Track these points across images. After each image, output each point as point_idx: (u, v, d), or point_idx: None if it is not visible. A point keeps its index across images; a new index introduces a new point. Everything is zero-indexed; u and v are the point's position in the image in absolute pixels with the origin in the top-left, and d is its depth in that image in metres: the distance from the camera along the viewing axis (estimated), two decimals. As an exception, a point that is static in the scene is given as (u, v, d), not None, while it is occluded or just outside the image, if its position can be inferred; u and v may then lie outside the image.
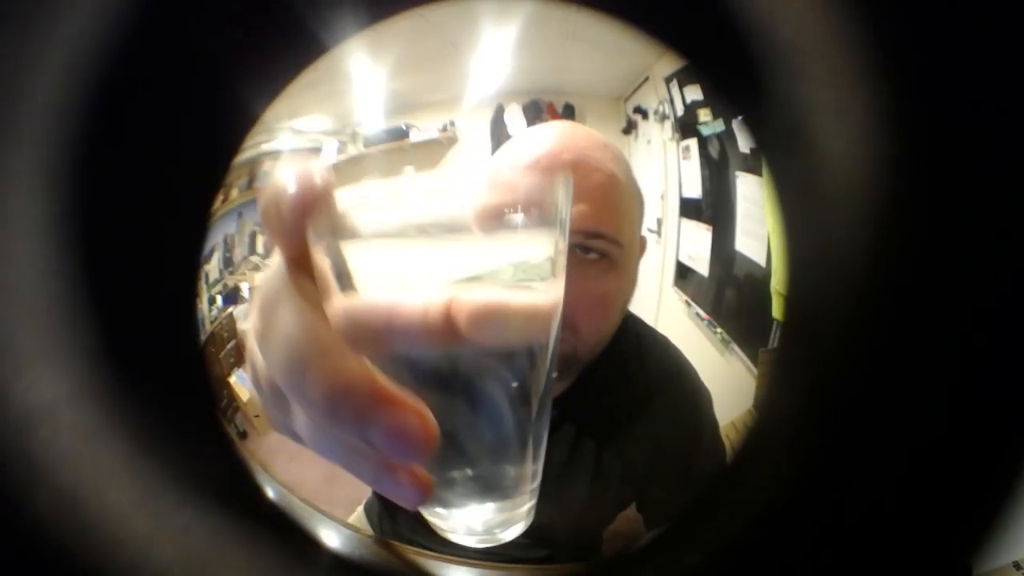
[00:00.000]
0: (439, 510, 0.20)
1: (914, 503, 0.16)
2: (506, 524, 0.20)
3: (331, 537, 0.26)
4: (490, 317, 0.14)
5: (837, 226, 0.17)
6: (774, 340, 0.28)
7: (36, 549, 0.15)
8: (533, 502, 0.21)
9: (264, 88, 0.21)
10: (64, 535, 0.16)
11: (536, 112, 0.31)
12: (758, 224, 0.29)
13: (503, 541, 0.20)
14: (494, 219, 0.16)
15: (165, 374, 0.19)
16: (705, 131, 0.31)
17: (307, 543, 0.23)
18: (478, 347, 0.15)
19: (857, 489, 0.17)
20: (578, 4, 0.28)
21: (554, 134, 0.31)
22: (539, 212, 0.17)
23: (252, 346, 0.17)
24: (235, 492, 0.20)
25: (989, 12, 0.14)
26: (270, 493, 0.24)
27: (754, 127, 0.23)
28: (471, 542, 0.20)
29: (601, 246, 0.29)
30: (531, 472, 0.20)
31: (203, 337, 0.33)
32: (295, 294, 0.15)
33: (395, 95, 0.34)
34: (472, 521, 0.20)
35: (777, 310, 0.28)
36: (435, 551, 0.31)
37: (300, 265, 0.16)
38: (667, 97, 0.31)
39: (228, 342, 0.35)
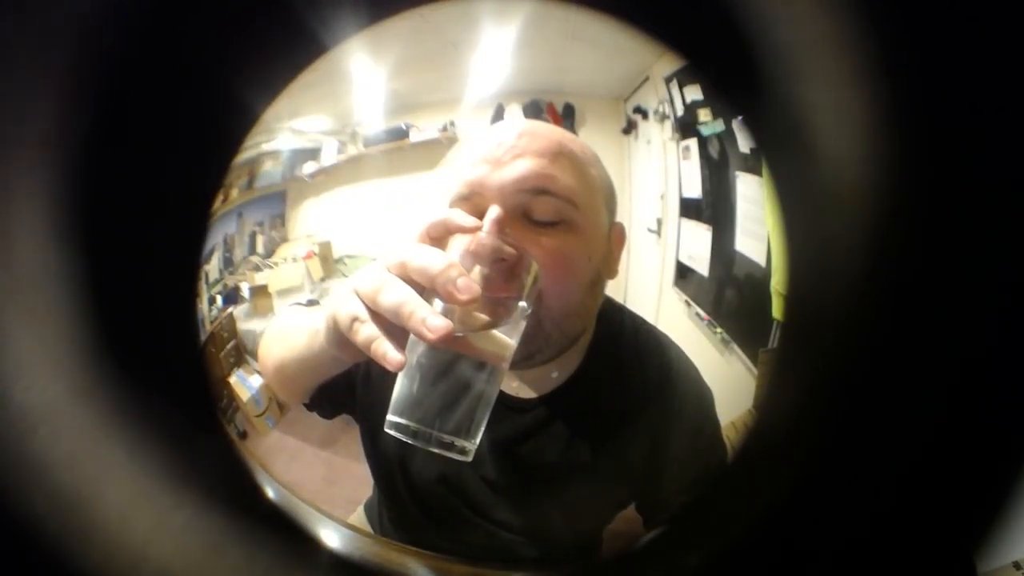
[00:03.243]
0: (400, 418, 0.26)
1: (914, 503, 0.16)
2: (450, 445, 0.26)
3: (331, 537, 0.26)
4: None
5: (837, 226, 0.17)
6: (774, 340, 0.28)
7: (36, 549, 0.15)
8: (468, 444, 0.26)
9: (264, 88, 0.21)
10: (64, 535, 0.16)
11: (536, 112, 0.31)
12: (758, 224, 0.29)
13: (436, 451, 0.26)
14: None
15: (165, 374, 0.19)
16: (705, 131, 0.31)
17: (307, 543, 0.23)
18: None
19: (857, 489, 0.17)
20: (578, 4, 0.28)
21: (508, 122, 0.31)
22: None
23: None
24: (235, 492, 0.20)
25: (989, 12, 0.14)
26: (270, 493, 0.24)
27: (754, 127, 0.23)
28: (409, 437, 0.26)
29: (552, 204, 0.29)
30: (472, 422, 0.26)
31: (203, 337, 0.33)
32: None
33: (395, 95, 0.34)
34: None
35: (777, 310, 0.28)
36: (434, 551, 0.31)
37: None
38: (667, 97, 0.31)
39: (228, 342, 0.35)
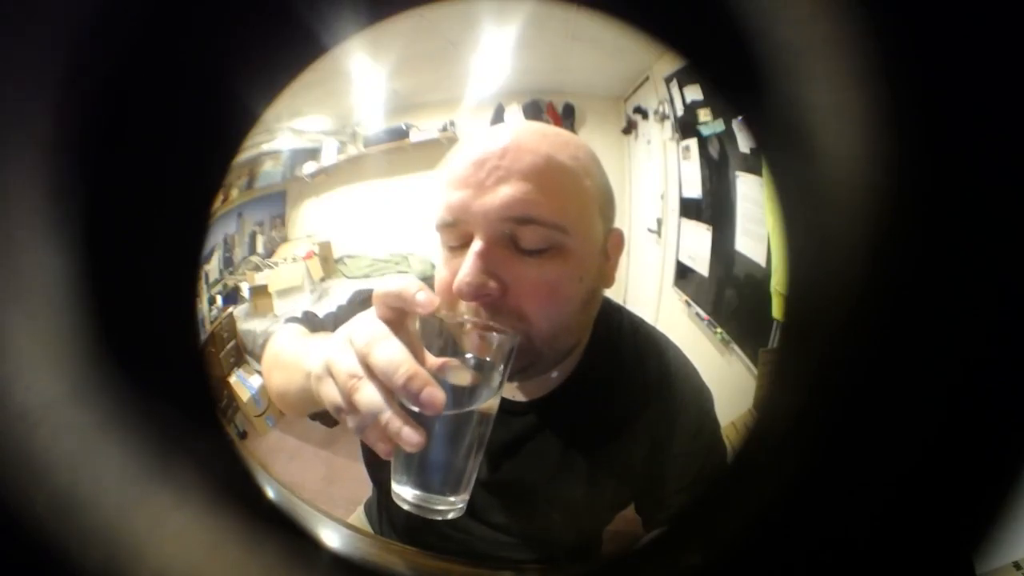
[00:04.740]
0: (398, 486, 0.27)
1: (914, 503, 0.16)
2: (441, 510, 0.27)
3: (331, 537, 0.26)
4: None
5: (837, 226, 0.17)
6: (774, 340, 0.28)
7: (36, 549, 0.15)
8: (460, 501, 0.27)
9: (264, 88, 0.21)
10: (64, 535, 0.16)
11: (536, 112, 0.31)
12: (758, 224, 0.29)
13: (436, 518, 0.27)
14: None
15: (165, 374, 0.19)
16: (705, 131, 0.31)
17: (307, 543, 0.23)
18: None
19: (857, 489, 0.17)
20: (578, 4, 0.28)
21: (497, 129, 0.30)
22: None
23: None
24: (235, 492, 0.20)
25: (989, 12, 0.14)
26: (270, 493, 0.24)
27: (754, 127, 0.23)
28: (411, 508, 0.27)
29: (539, 233, 0.28)
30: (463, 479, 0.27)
31: (203, 337, 0.33)
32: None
33: (395, 95, 0.34)
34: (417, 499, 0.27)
35: (777, 310, 0.28)
36: (434, 551, 0.31)
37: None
38: (667, 97, 0.31)
39: (228, 342, 0.35)
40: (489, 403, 0.27)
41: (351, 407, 0.25)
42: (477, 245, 0.28)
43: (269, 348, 0.36)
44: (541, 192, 0.28)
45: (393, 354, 0.24)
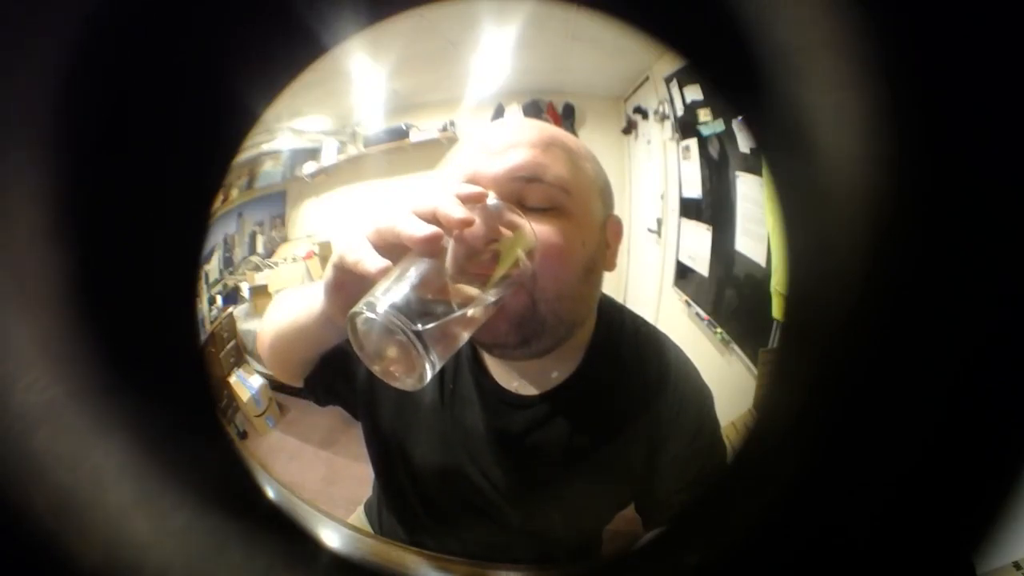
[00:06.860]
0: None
1: (914, 503, 0.16)
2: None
3: (331, 537, 0.26)
4: None
5: (837, 226, 0.17)
6: (774, 340, 0.28)
7: (36, 549, 0.15)
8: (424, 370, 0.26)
9: (264, 88, 0.21)
10: (64, 535, 0.16)
11: (536, 112, 0.31)
12: (758, 224, 0.29)
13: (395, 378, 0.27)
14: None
15: (165, 374, 0.19)
16: (705, 131, 0.31)
17: (307, 543, 0.23)
18: None
19: (857, 489, 0.17)
20: (578, 4, 0.28)
21: (505, 118, 0.32)
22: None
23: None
24: (235, 492, 0.20)
25: (989, 12, 0.14)
26: (270, 493, 0.24)
27: (754, 127, 0.23)
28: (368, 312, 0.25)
29: (543, 191, 0.30)
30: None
31: (203, 337, 0.33)
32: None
33: (395, 95, 0.34)
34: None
35: (777, 310, 0.28)
36: (434, 550, 0.31)
37: None
38: (667, 97, 0.31)
39: (228, 342, 0.35)
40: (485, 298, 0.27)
41: (375, 235, 0.27)
42: (491, 200, 0.30)
43: (270, 306, 0.36)
44: (546, 157, 0.30)
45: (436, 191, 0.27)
